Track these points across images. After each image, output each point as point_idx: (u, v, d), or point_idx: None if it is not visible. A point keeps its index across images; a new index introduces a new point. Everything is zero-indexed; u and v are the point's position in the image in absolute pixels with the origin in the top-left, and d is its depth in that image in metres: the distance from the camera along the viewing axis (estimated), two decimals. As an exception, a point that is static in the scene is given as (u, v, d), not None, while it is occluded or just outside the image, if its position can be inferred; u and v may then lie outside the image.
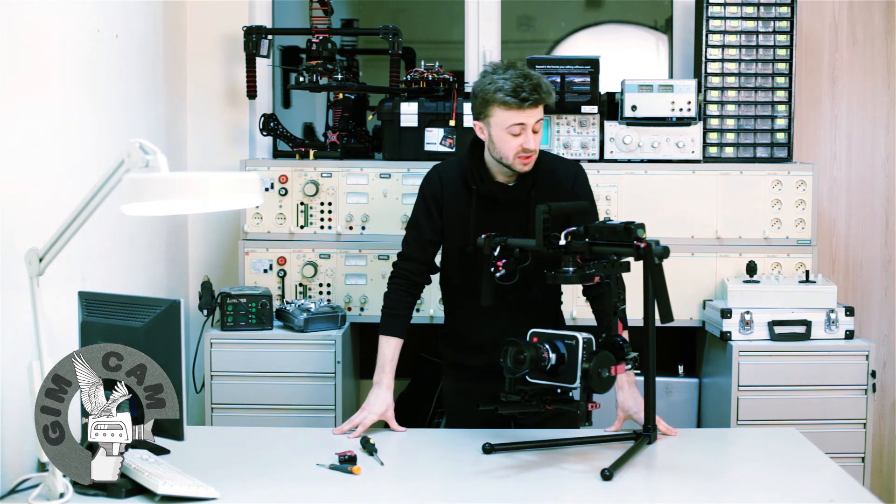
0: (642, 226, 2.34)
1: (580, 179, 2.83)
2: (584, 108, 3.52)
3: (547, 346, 2.34)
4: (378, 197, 3.54)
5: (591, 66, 3.53)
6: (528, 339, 2.37)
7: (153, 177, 1.96)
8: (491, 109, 2.66)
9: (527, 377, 2.37)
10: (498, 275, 2.54)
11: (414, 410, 3.90)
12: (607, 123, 3.56)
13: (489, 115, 2.67)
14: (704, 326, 3.51)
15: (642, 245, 2.31)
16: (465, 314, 2.85)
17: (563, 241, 2.38)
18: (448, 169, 2.87)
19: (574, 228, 2.39)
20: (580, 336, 2.32)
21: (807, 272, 3.40)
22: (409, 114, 3.56)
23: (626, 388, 2.67)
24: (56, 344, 2.26)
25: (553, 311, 2.89)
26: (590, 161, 3.53)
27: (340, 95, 3.66)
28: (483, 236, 2.55)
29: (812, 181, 3.52)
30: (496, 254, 2.52)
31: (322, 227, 3.55)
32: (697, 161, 3.54)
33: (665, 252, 2.32)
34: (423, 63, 3.65)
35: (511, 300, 2.72)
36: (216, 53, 3.83)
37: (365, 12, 4.27)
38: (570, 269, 2.38)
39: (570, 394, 2.37)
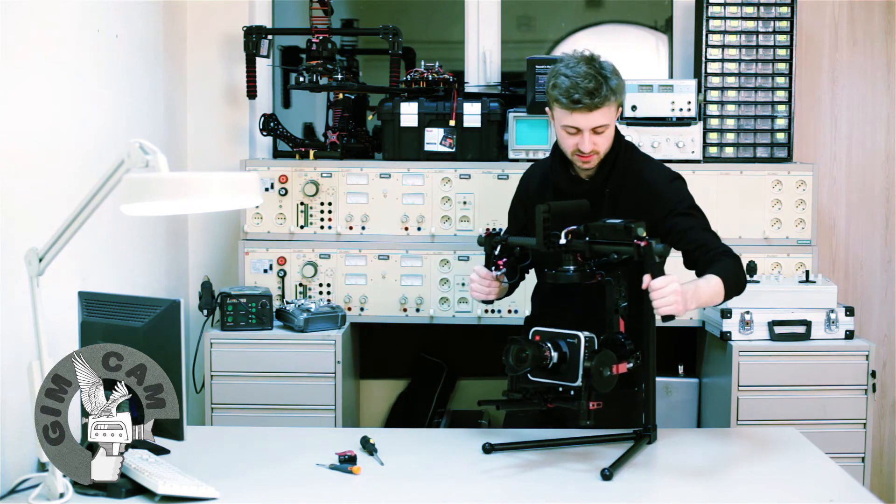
0: (642, 224, 2.33)
1: (678, 184, 2.71)
2: (584, 108, 3.52)
3: (549, 345, 2.34)
4: (378, 197, 3.54)
5: (591, 66, 3.53)
6: (530, 337, 2.38)
7: (153, 177, 1.96)
8: (551, 104, 2.64)
9: (529, 375, 2.37)
10: (498, 273, 2.54)
11: (414, 410, 3.90)
12: (607, 123, 3.55)
13: (552, 108, 2.65)
14: (704, 326, 3.51)
15: (642, 244, 2.31)
16: (544, 299, 2.85)
17: (563, 241, 2.38)
18: (539, 165, 2.89)
19: (574, 227, 2.39)
20: (582, 335, 2.32)
21: (807, 272, 3.40)
22: (409, 114, 3.56)
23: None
24: (56, 344, 2.26)
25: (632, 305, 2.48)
26: (590, 161, 3.53)
27: (340, 95, 3.66)
28: (483, 234, 2.55)
29: (812, 181, 3.53)
30: (497, 252, 2.52)
31: (322, 227, 3.55)
32: (697, 161, 3.54)
33: (665, 251, 2.32)
34: (423, 63, 3.65)
35: (586, 289, 2.55)
36: (216, 53, 3.83)
37: (365, 12, 4.26)
38: (571, 267, 2.38)
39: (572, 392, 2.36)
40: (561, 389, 2.36)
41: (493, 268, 2.54)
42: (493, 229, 2.58)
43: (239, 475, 2.30)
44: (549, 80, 2.63)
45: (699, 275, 2.55)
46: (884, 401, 3.91)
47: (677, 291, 2.31)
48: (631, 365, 2.39)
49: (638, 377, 2.76)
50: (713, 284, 2.46)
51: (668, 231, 2.61)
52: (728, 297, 2.51)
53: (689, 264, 2.63)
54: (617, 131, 2.71)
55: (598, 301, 2.43)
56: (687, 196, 2.71)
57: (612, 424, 2.56)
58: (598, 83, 2.56)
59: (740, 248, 3.49)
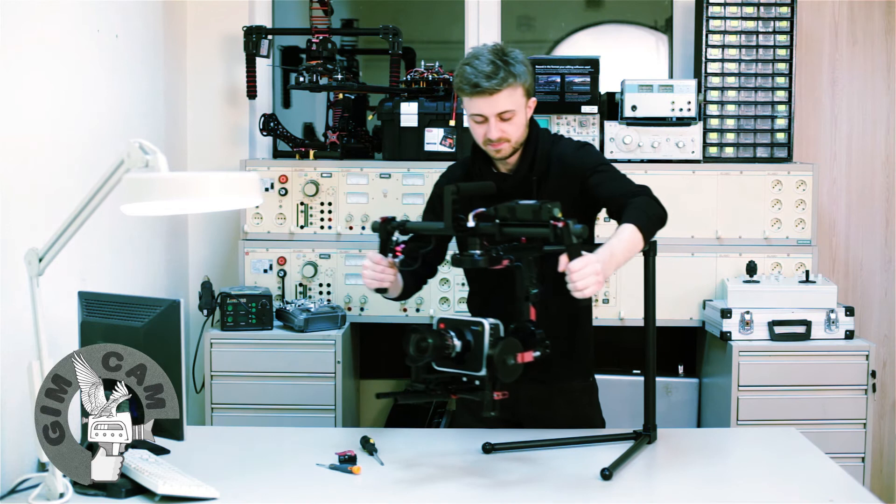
0: (558, 204, 2.17)
1: (585, 150, 2.67)
2: (584, 108, 3.52)
3: (452, 333, 2.22)
4: (378, 197, 3.55)
5: (591, 66, 3.53)
6: (435, 325, 2.26)
7: (153, 177, 1.96)
8: (459, 96, 2.63)
9: (434, 365, 2.26)
10: (396, 260, 2.46)
11: (414, 410, 3.89)
12: (607, 123, 3.56)
13: (461, 101, 2.64)
14: (704, 326, 3.51)
15: (560, 224, 2.14)
16: (480, 299, 2.78)
17: (471, 223, 2.26)
18: (455, 169, 2.83)
19: (482, 210, 2.27)
20: (487, 322, 2.20)
21: (807, 272, 3.40)
22: (408, 114, 3.56)
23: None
24: (56, 344, 2.26)
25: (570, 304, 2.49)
26: (590, 161, 3.53)
27: (340, 95, 3.66)
28: (379, 220, 2.43)
29: (812, 181, 3.53)
30: (395, 239, 2.42)
31: (322, 227, 3.55)
32: (697, 161, 3.54)
33: (584, 231, 2.16)
34: (423, 63, 3.65)
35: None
36: (216, 53, 3.83)
37: (365, 12, 4.27)
38: (478, 251, 2.24)
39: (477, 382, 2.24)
40: (465, 379, 2.25)
41: (390, 254, 2.44)
42: (389, 216, 2.46)
43: (239, 475, 2.30)
44: (455, 72, 2.60)
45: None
46: (884, 401, 3.91)
47: (598, 272, 2.19)
48: (538, 354, 2.24)
49: (590, 368, 2.74)
50: (626, 237, 2.34)
51: (587, 196, 2.57)
52: (649, 236, 2.39)
53: (612, 217, 2.55)
54: (533, 120, 2.65)
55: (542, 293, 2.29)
56: (595, 158, 2.66)
57: (563, 419, 2.57)
58: (496, 67, 2.51)
59: (740, 247, 3.52)
